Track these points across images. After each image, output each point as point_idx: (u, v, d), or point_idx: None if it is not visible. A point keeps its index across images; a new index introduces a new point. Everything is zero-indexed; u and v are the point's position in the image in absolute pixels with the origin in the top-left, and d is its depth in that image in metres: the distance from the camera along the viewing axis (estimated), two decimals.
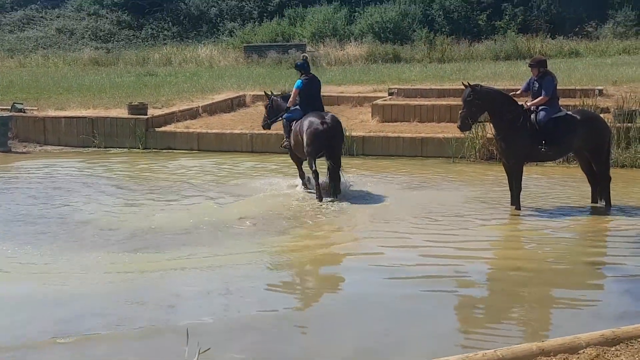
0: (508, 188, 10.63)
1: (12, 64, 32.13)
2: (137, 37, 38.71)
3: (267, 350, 6.14)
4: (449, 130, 14.50)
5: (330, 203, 10.87)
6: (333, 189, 11.17)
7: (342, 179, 11.40)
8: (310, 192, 11.44)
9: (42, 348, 6.22)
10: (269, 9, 39.06)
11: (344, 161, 11.90)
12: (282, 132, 12.46)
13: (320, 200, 10.95)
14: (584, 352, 4.93)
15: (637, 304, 7.12)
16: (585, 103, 14.50)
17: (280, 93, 12.41)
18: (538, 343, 5.00)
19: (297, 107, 11.65)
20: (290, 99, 11.75)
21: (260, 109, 13.06)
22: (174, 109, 17.86)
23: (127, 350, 6.16)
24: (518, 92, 10.75)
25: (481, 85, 10.61)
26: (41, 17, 40.91)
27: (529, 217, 10.16)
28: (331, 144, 11.10)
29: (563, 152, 10.85)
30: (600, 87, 17.00)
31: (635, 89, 16.56)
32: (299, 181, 12.00)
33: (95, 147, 16.55)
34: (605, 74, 20.08)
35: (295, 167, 12.10)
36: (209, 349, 4.95)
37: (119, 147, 16.48)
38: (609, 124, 11.43)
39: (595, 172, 10.56)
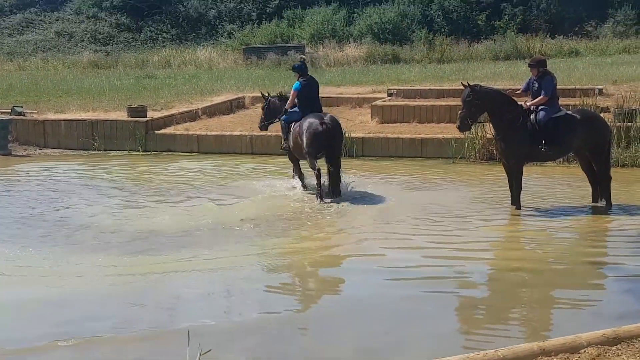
0: (508, 188, 10.64)
1: (12, 67, 32.16)
2: (136, 39, 38.72)
3: (269, 352, 6.15)
4: (449, 131, 14.47)
5: (331, 204, 10.88)
6: (333, 192, 11.18)
7: (342, 181, 11.42)
8: (310, 193, 11.45)
9: (44, 351, 6.22)
10: (267, 11, 39.07)
11: (344, 162, 11.92)
12: (281, 133, 12.47)
13: (321, 200, 10.96)
14: (585, 351, 4.93)
15: (638, 304, 7.11)
16: (585, 102, 14.50)
17: (277, 94, 12.39)
18: (539, 343, 5.00)
19: (296, 109, 11.66)
20: (289, 101, 11.76)
21: (259, 111, 13.05)
22: (174, 111, 17.87)
23: (128, 353, 6.16)
24: (518, 92, 10.76)
25: (480, 86, 10.60)
26: (40, 20, 40.94)
27: (530, 217, 10.16)
28: (331, 144, 11.12)
29: (563, 152, 10.85)
30: (600, 87, 16.99)
31: (635, 88, 16.54)
32: (298, 182, 12.00)
33: (95, 149, 16.53)
34: (605, 73, 20.07)
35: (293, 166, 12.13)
36: (210, 350, 4.94)
37: (119, 150, 16.47)
38: (609, 124, 11.43)
39: (595, 171, 10.55)
